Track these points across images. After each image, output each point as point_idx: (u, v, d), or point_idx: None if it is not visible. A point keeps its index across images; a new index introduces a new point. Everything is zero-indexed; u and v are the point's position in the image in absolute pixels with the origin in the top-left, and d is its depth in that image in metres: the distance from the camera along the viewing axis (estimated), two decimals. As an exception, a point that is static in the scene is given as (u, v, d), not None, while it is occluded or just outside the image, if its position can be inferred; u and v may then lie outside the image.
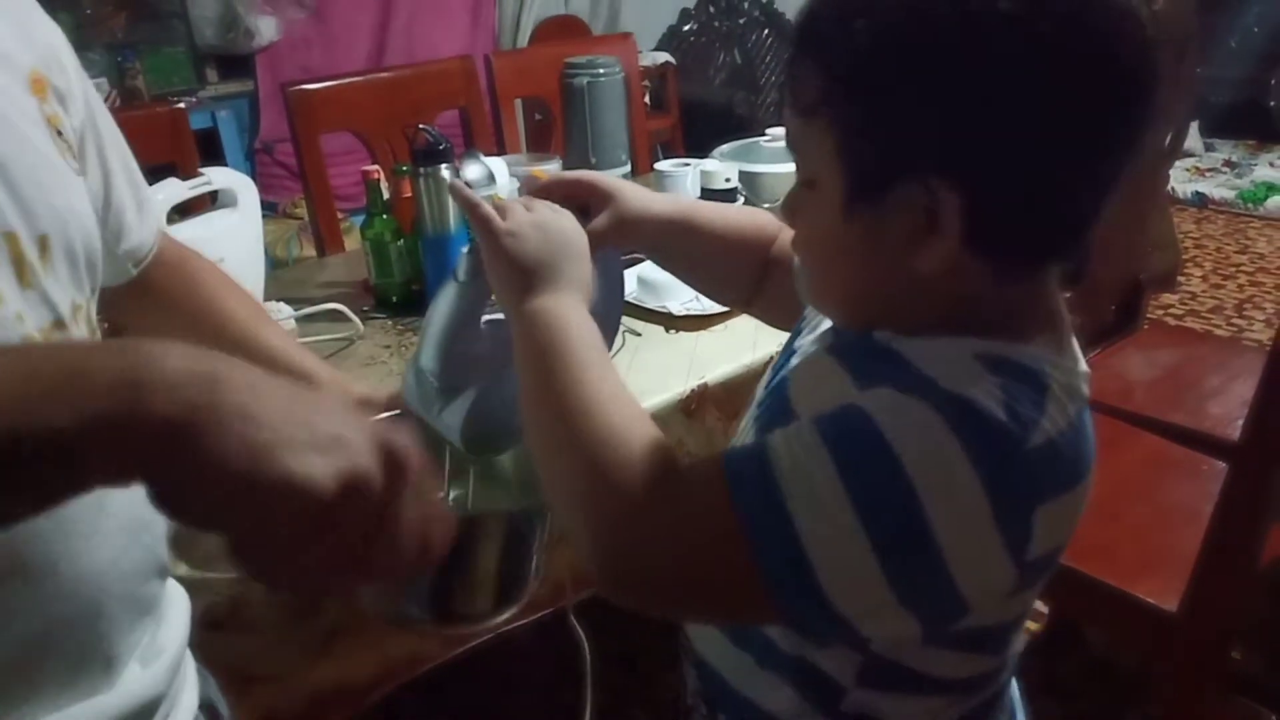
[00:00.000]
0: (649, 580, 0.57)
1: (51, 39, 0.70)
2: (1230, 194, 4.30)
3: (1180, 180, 4.40)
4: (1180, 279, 3.22)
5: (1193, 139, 4.65)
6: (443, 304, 0.74)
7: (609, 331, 0.82)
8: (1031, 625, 1.88)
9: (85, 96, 0.73)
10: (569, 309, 0.65)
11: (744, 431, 0.70)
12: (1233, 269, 3.67)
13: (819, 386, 0.62)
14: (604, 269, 0.82)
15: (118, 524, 0.65)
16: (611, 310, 0.82)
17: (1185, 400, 1.76)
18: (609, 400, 0.59)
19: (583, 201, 0.76)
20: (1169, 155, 1.97)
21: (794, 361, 0.69)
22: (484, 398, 0.75)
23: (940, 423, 0.51)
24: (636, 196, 0.78)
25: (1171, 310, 3.32)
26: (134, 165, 0.83)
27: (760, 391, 0.72)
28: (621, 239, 0.79)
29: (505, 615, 0.76)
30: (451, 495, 0.81)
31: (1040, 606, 1.88)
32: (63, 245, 0.64)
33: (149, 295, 0.88)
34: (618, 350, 0.78)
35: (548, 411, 0.61)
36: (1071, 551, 1.31)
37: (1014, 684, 0.72)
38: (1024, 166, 0.52)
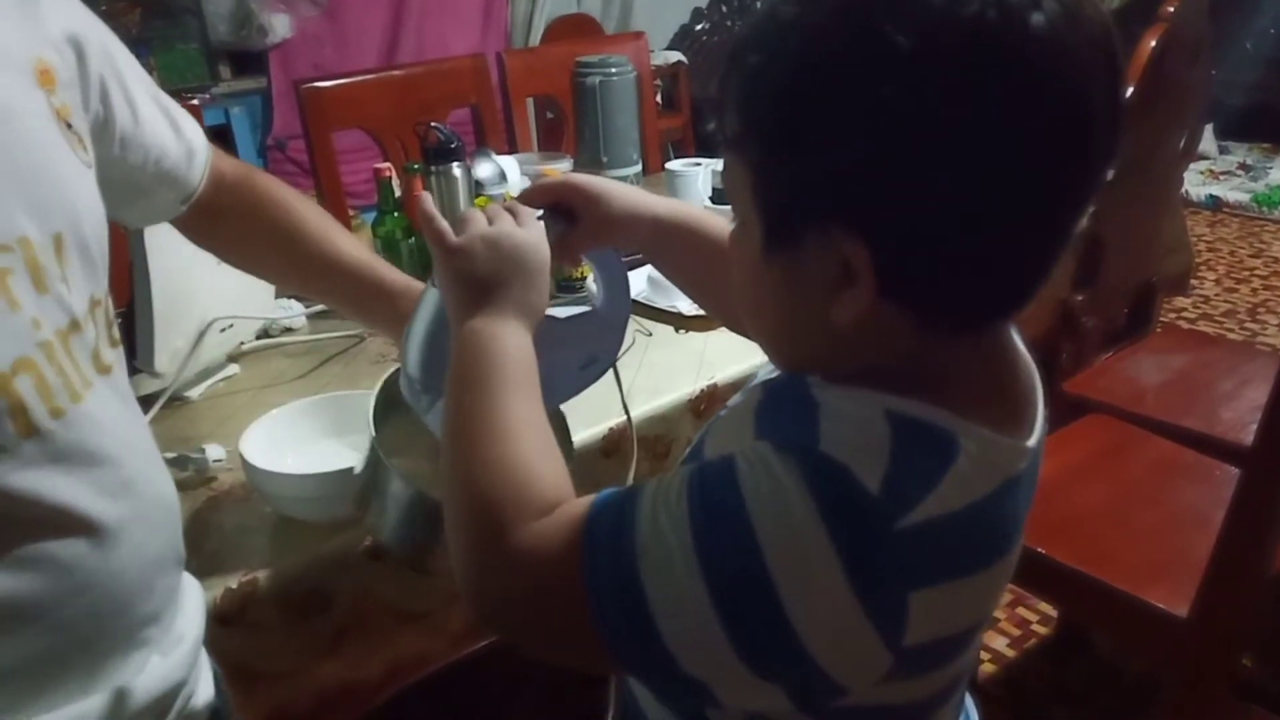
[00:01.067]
0: (504, 620, 0.56)
1: (48, 19, 0.68)
2: (1244, 197, 4.27)
3: (1194, 183, 4.37)
4: (1193, 282, 3.21)
5: (1207, 142, 4.62)
6: (423, 309, 0.74)
7: (616, 333, 0.82)
8: (1040, 629, 1.88)
9: (104, 45, 0.73)
10: (503, 333, 0.63)
11: (683, 457, 0.68)
12: (1246, 273, 3.65)
13: (729, 429, 0.60)
14: (605, 271, 0.82)
15: (141, 516, 0.66)
16: (617, 312, 0.82)
17: (1197, 404, 1.75)
18: (512, 428, 0.59)
19: (568, 205, 0.75)
20: (1183, 157, 1.96)
21: (749, 386, 0.67)
22: None
23: (803, 488, 0.48)
24: (625, 198, 0.76)
25: (1184, 314, 3.30)
26: (172, 105, 0.84)
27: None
28: (611, 241, 0.78)
29: None
30: None
31: (1049, 610, 1.88)
32: (76, 241, 0.64)
33: (219, 218, 0.91)
34: (627, 349, 0.78)
35: (452, 431, 0.61)
36: (1080, 555, 1.33)
37: None
38: (934, 220, 0.48)
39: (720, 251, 0.77)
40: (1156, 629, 1.29)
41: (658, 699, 0.64)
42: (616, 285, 0.82)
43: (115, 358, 0.68)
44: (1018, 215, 0.49)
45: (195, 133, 0.89)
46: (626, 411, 0.87)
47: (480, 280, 0.65)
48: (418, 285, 0.95)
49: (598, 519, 0.53)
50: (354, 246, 0.96)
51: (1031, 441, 0.55)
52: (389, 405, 0.85)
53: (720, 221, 0.80)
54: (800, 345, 0.57)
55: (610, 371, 0.83)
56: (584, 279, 1.40)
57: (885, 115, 0.46)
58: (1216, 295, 3.45)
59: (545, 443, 0.60)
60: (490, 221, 0.68)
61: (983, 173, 0.47)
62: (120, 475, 0.65)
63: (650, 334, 1.37)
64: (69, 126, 0.67)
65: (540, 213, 0.72)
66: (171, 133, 0.85)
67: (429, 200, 0.70)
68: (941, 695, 0.60)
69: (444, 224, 0.68)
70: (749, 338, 0.79)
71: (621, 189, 0.77)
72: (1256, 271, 3.66)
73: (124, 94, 0.77)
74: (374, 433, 0.80)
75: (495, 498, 0.56)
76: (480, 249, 0.66)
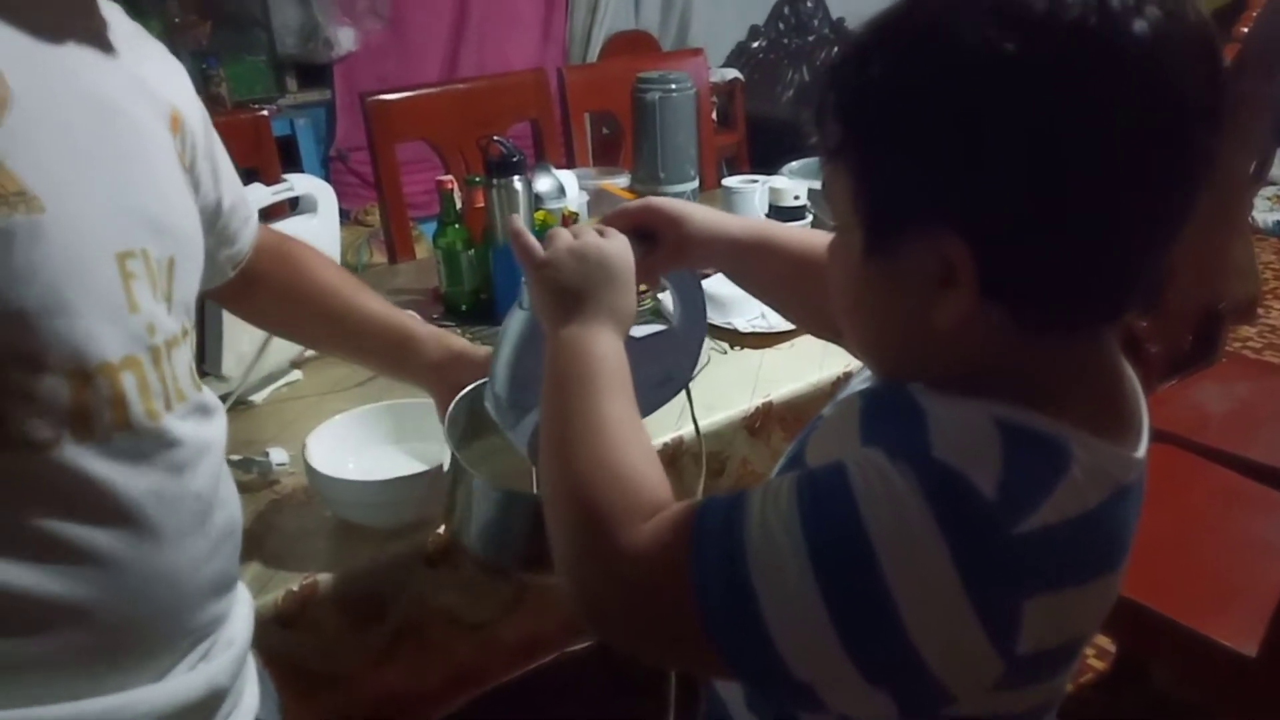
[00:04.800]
0: (611, 622, 0.56)
1: (181, 75, 0.77)
2: (1314, 224, 4.15)
3: (1261, 209, 4.26)
4: (1260, 311, 3.12)
5: (1275, 167, 4.49)
6: (509, 330, 0.77)
7: (690, 351, 0.83)
8: (1096, 662, 1.83)
9: (203, 117, 0.79)
10: (596, 338, 0.65)
11: (777, 467, 0.69)
12: (1315, 301, 3.55)
13: (832, 437, 0.61)
14: (682, 291, 0.83)
15: (208, 533, 0.69)
16: (693, 331, 0.83)
17: (1263, 435, 1.70)
18: (612, 431, 0.60)
19: (649, 228, 0.77)
20: (1253, 182, 1.91)
21: (842, 396, 0.68)
22: None
23: (919, 494, 0.48)
24: (704, 220, 0.78)
25: (1250, 343, 3.21)
26: (236, 176, 0.88)
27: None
28: (689, 262, 0.80)
29: None
30: None
31: (1106, 644, 1.83)
32: (182, 269, 0.69)
33: (255, 283, 0.95)
34: (702, 367, 0.80)
35: (553, 436, 0.62)
36: (1141, 587, 1.31)
37: None
38: (1034, 219, 0.48)
39: (798, 263, 0.79)
40: (1222, 667, 1.25)
41: (750, 706, 0.64)
42: (693, 305, 0.84)
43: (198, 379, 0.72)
44: (1119, 215, 0.49)
45: (248, 201, 0.93)
46: (697, 429, 0.88)
47: (570, 290, 0.67)
48: (445, 334, 0.99)
49: (705, 522, 0.53)
50: (377, 302, 1.00)
51: (1139, 453, 0.55)
52: (466, 426, 0.87)
53: (797, 234, 0.82)
54: (901, 351, 0.58)
55: (671, 395, 0.83)
56: (652, 294, 1.40)
57: (988, 119, 0.47)
58: (1285, 324, 3.36)
59: (645, 445, 0.61)
60: (575, 236, 0.71)
61: (1084, 173, 0.47)
62: (193, 489, 0.67)
63: (725, 352, 1.36)
64: (187, 170, 0.74)
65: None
66: (240, 201, 0.89)
67: (519, 220, 0.73)
68: (1040, 710, 0.60)
69: (532, 240, 0.71)
70: (841, 345, 0.81)
71: (700, 211, 0.79)
72: (1326, 301, 3.55)
73: (211, 167, 0.82)
74: (453, 445, 0.82)
75: (601, 500, 0.56)
76: (567, 259, 0.69)
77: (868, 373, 0.67)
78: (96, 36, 0.66)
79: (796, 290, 0.81)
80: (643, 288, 1.38)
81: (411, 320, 1.00)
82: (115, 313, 0.62)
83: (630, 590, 0.55)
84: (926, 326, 0.52)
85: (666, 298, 0.86)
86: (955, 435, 0.51)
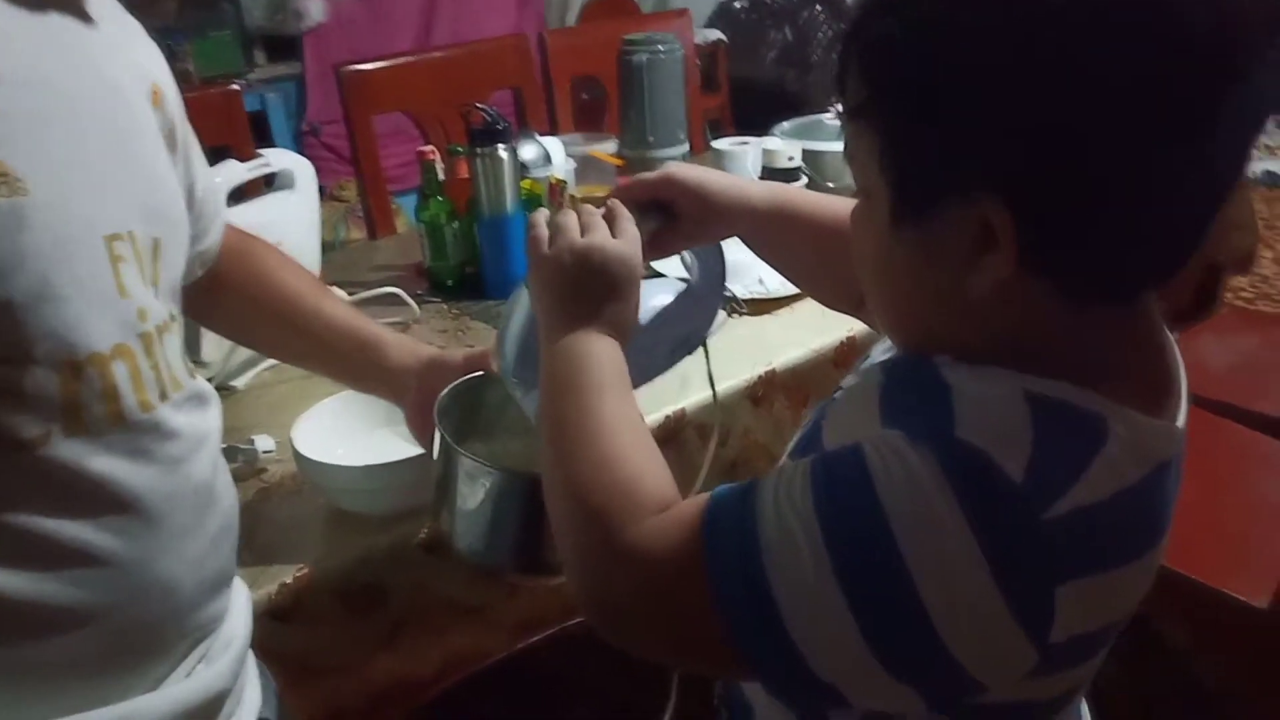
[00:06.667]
0: (623, 624, 0.54)
1: (158, 54, 0.74)
2: (1302, 173, 4.14)
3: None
4: (1251, 261, 3.11)
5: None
6: (515, 308, 0.76)
7: (708, 312, 0.80)
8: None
9: (178, 100, 0.76)
10: (592, 345, 0.62)
11: (791, 443, 0.66)
12: (1307, 251, 3.54)
13: (851, 415, 0.58)
14: (703, 259, 0.81)
15: (207, 528, 0.67)
16: (711, 290, 0.80)
17: (1269, 388, 1.69)
18: (612, 430, 0.57)
19: (667, 200, 0.73)
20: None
21: (863, 367, 0.66)
22: None
23: (940, 478, 0.45)
24: (725, 188, 0.75)
25: (1241, 293, 3.20)
26: (210, 172, 0.84)
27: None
28: (710, 234, 0.76)
29: None
30: None
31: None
32: (168, 252, 0.66)
33: (216, 284, 0.90)
34: (720, 325, 0.77)
35: (553, 441, 0.60)
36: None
37: None
38: (1079, 180, 0.45)
39: (822, 231, 0.75)
40: (1234, 621, 1.24)
41: (775, 698, 0.62)
42: (712, 265, 0.80)
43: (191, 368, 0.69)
44: (1167, 173, 0.46)
45: (219, 195, 0.89)
46: (713, 388, 0.83)
47: (569, 294, 0.64)
48: (414, 341, 0.95)
49: (717, 515, 0.51)
50: (341, 308, 0.96)
51: (1179, 422, 0.53)
52: (461, 411, 0.83)
53: (820, 200, 0.78)
54: (930, 322, 0.54)
55: (685, 356, 0.79)
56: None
57: (1032, 75, 0.44)
58: (1275, 274, 3.35)
59: (646, 441, 0.58)
60: (584, 230, 0.66)
61: (1133, 129, 0.44)
62: (191, 483, 0.65)
63: (744, 312, 1.28)
64: (168, 147, 0.70)
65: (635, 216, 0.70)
66: (210, 192, 0.84)
67: (542, 213, 0.70)
68: (1073, 692, 0.58)
69: (542, 232, 0.67)
70: (865, 320, 0.77)
71: (719, 178, 0.75)
72: (1316, 249, 3.54)
73: (185, 151, 0.77)
74: (444, 433, 0.78)
75: (604, 496, 0.54)
76: (570, 263, 0.65)
77: (888, 343, 0.64)
78: (80, 11, 0.63)
79: (819, 260, 0.77)
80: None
81: (378, 328, 0.95)
82: (105, 299, 0.59)
83: (641, 590, 0.52)
84: (959, 295, 0.49)
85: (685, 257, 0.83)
86: (981, 413, 0.48)
